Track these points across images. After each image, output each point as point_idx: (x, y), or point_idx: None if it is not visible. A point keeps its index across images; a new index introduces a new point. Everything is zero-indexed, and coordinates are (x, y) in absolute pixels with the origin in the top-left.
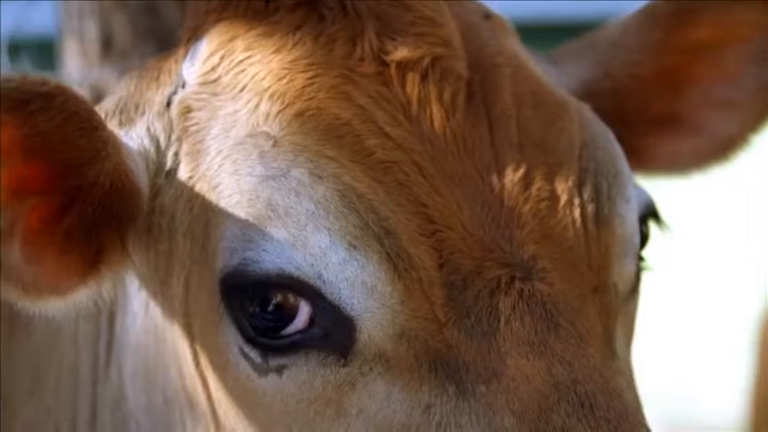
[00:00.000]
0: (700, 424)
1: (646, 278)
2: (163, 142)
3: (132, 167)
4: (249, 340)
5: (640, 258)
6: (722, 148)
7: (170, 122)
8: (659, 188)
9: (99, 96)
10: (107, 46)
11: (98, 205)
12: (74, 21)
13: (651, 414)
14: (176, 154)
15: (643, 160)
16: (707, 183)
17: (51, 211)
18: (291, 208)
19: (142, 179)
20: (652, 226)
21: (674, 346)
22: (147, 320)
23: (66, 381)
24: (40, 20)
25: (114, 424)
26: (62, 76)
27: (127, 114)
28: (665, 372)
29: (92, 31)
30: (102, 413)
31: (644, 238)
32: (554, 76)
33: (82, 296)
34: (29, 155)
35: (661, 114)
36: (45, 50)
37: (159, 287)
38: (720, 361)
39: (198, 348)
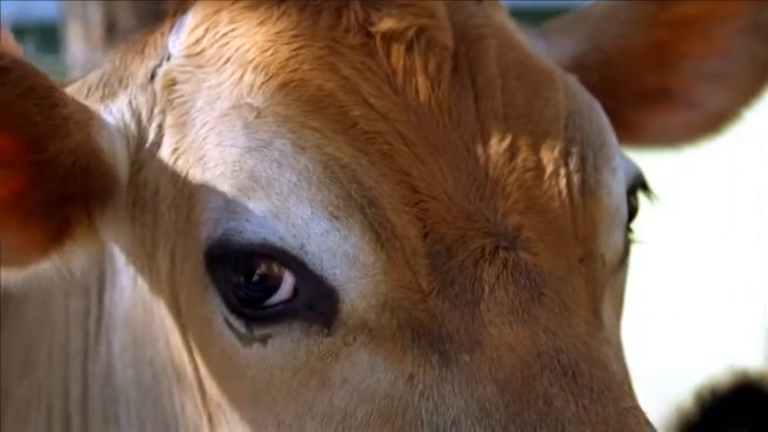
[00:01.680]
0: None
1: (656, 263)
2: (145, 115)
3: (103, 145)
4: (234, 310)
5: (629, 230)
6: (714, 122)
7: (153, 95)
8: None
9: None
10: (110, 30)
11: (61, 181)
12: (77, 5)
13: (653, 397)
14: (160, 127)
15: (634, 134)
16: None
17: (20, 184)
18: (274, 179)
19: (118, 156)
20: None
21: (682, 329)
22: (135, 294)
23: (58, 357)
24: (43, 4)
25: (104, 399)
26: (66, 60)
27: (110, 88)
28: (669, 355)
29: (95, 15)
30: (93, 388)
31: (633, 211)
32: (544, 49)
33: (46, 269)
34: None
35: (652, 88)
36: (48, 34)
37: (146, 260)
38: (729, 345)
39: (184, 320)
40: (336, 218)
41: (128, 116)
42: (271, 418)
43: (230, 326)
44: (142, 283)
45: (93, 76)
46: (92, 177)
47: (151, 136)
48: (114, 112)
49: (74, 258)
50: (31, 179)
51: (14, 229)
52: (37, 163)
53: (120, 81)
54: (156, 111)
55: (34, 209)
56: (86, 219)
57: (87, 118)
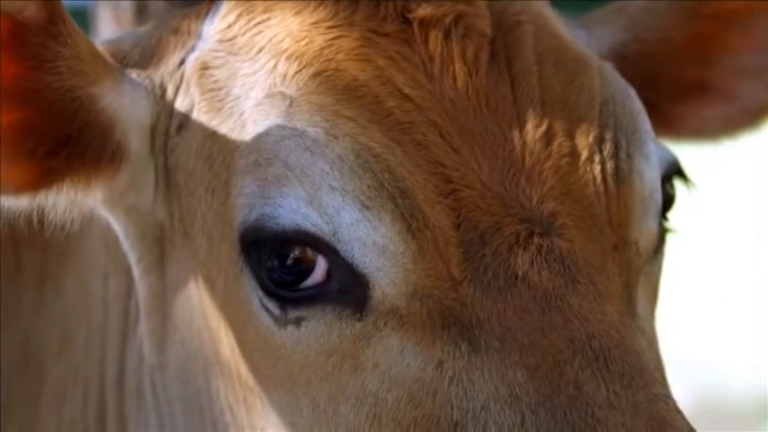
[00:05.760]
0: (729, 397)
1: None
2: (170, 95)
3: (109, 104)
4: (268, 292)
5: (664, 218)
6: (752, 115)
7: (181, 78)
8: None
9: None
10: (140, 13)
11: (51, 123)
12: None
13: (681, 386)
14: (188, 111)
15: (672, 126)
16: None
17: (12, 118)
18: (307, 168)
19: (131, 122)
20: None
21: (709, 320)
22: (171, 277)
23: (95, 340)
24: None
25: (137, 382)
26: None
27: (144, 63)
28: (695, 346)
29: None
30: (129, 367)
31: (670, 199)
32: (584, 40)
33: (23, 204)
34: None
35: (690, 80)
36: (78, 17)
37: (182, 240)
38: (752, 335)
39: (220, 302)
40: (367, 207)
41: (158, 93)
42: (306, 400)
43: (265, 308)
44: (179, 266)
45: (130, 45)
46: (86, 130)
47: (178, 119)
48: (146, 82)
49: (56, 206)
50: (22, 115)
51: (4, 157)
52: (31, 91)
53: (152, 59)
54: (184, 94)
55: (26, 149)
56: (74, 176)
57: (97, 71)
